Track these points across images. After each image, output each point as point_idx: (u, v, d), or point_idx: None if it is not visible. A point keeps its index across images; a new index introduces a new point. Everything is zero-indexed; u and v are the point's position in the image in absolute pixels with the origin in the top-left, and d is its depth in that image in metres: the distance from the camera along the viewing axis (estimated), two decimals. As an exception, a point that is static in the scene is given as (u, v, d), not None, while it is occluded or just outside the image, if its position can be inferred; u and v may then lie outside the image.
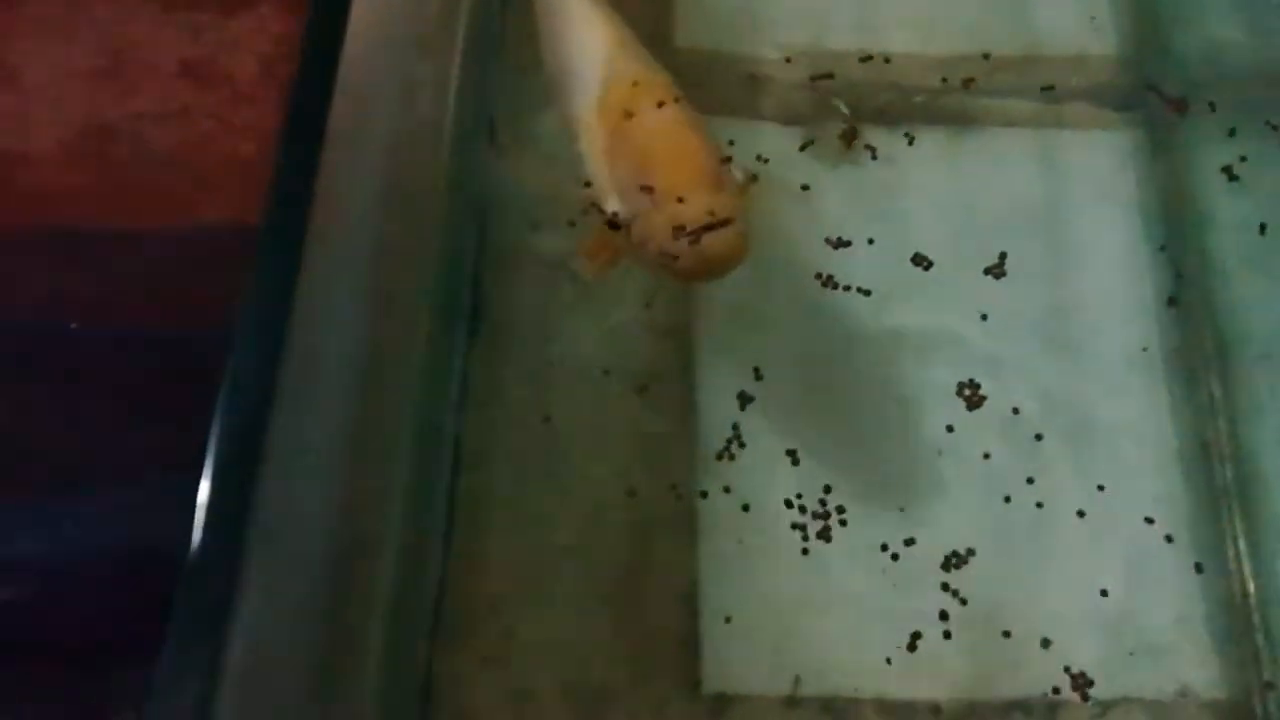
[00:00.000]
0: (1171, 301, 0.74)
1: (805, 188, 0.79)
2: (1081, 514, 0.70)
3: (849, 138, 0.81)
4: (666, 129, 0.59)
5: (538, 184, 0.79)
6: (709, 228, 0.55)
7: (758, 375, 0.74)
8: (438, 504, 0.67)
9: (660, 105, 0.60)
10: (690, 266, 0.57)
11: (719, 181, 0.57)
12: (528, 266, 0.76)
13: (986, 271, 0.77)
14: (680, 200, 0.56)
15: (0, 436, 0.64)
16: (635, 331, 0.75)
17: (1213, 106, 0.79)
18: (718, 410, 0.73)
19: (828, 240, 0.77)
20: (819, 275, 0.76)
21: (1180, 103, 0.79)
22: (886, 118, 0.82)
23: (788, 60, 0.84)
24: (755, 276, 0.76)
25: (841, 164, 0.81)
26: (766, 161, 0.79)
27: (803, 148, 0.81)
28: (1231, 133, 0.78)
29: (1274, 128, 0.79)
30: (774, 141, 0.81)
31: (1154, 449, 0.72)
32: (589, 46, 0.66)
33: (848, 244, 0.77)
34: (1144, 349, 0.74)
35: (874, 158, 0.80)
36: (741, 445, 0.72)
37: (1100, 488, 0.70)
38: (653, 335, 0.75)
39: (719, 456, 0.71)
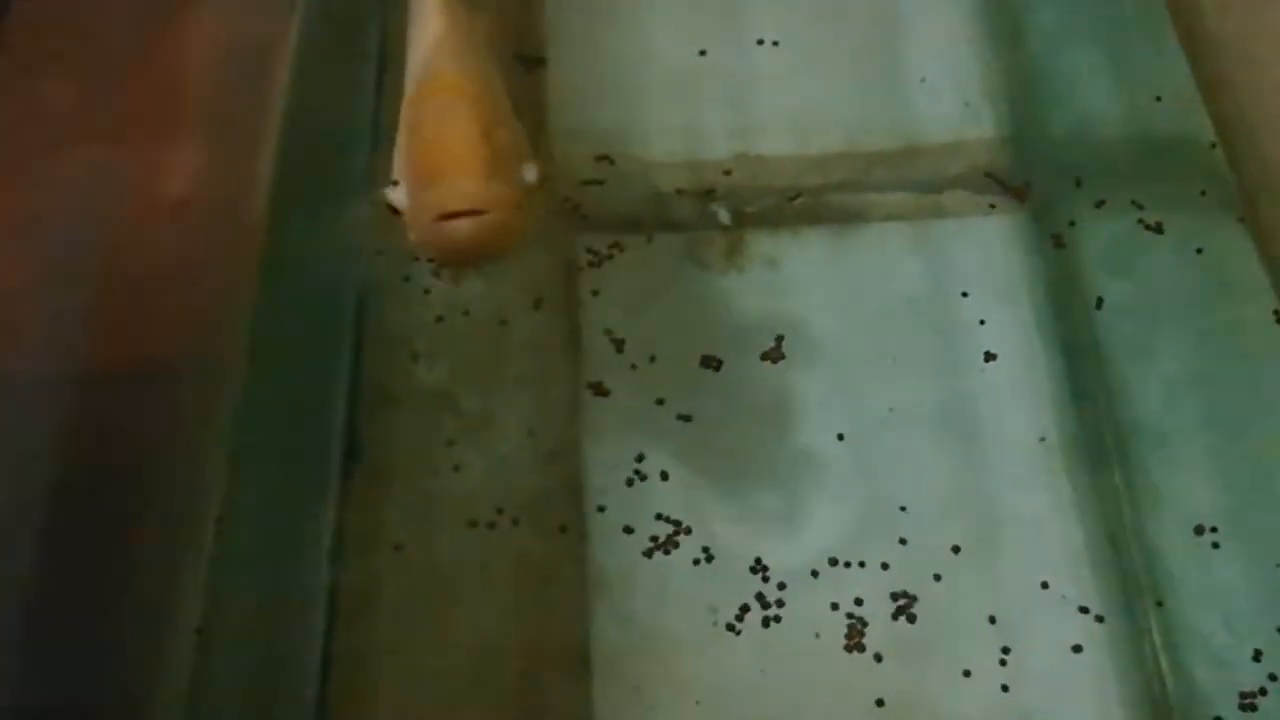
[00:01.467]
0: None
1: (691, 295, 0.78)
2: (992, 619, 0.67)
3: (733, 243, 0.80)
4: (440, 115, 0.58)
5: (417, 311, 0.77)
6: (461, 214, 0.54)
7: (648, 490, 0.71)
8: (306, 666, 0.63)
9: (446, 94, 0.60)
10: (438, 251, 0.57)
11: (485, 170, 0.56)
12: (407, 400, 0.74)
13: (879, 367, 0.75)
14: (436, 184, 0.55)
15: None
16: (520, 460, 0.73)
17: (1079, 183, 0.79)
18: (609, 534, 0.70)
19: (716, 341, 0.76)
20: (715, 382, 0.75)
21: (1020, 189, 0.79)
22: (768, 221, 0.81)
23: (666, 170, 0.83)
24: (643, 388, 0.75)
25: (728, 270, 0.80)
26: (646, 265, 0.78)
27: (686, 256, 0.80)
28: (1102, 208, 0.78)
29: (1139, 206, 0.79)
30: (660, 251, 0.80)
31: (1060, 543, 0.70)
32: (421, 46, 0.65)
33: (739, 346, 0.76)
34: (1042, 439, 0.73)
35: (759, 261, 0.79)
36: (634, 574, 0.69)
37: (1005, 587, 0.68)
38: (538, 462, 0.73)
39: (609, 586, 0.69)
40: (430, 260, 0.60)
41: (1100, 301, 0.76)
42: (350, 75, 0.82)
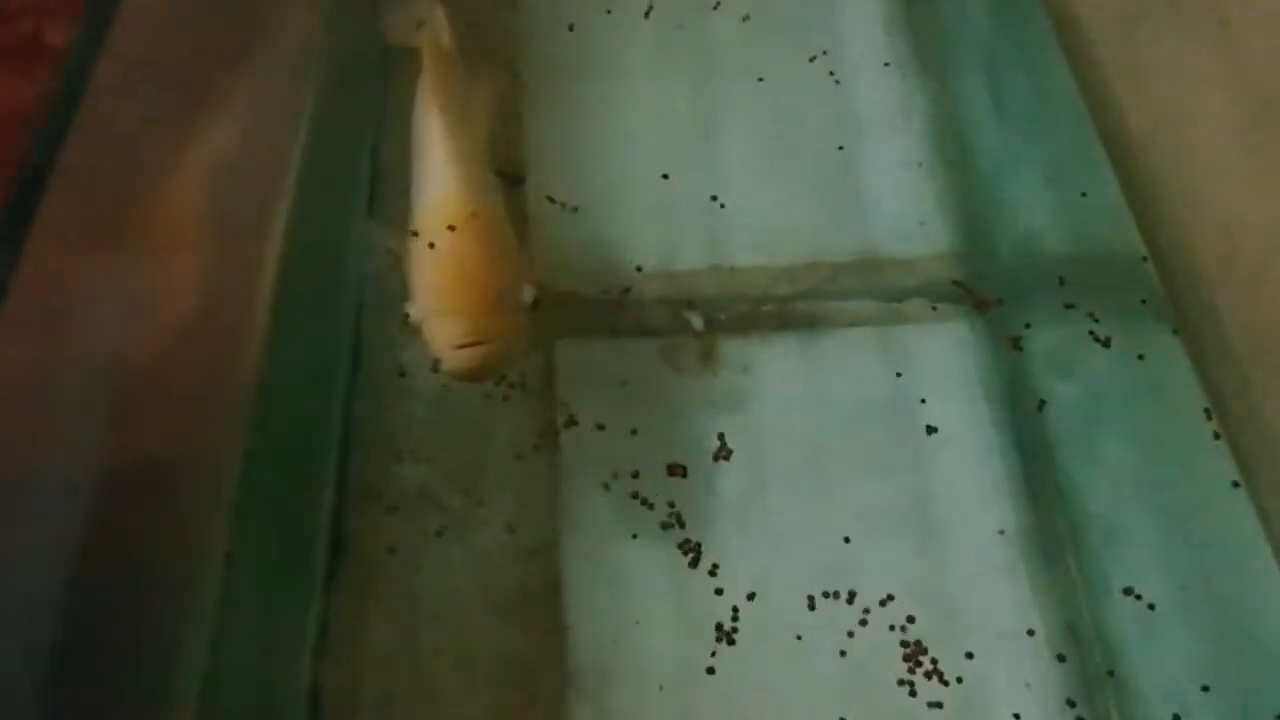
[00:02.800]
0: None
1: (666, 397, 0.82)
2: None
3: (706, 348, 0.85)
4: (455, 248, 0.70)
5: (401, 410, 0.80)
6: (467, 345, 0.66)
7: (626, 586, 0.74)
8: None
9: (456, 226, 0.70)
10: (449, 371, 0.68)
11: (490, 308, 0.67)
12: (390, 498, 0.77)
13: (845, 469, 0.79)
14: (450, 317, 0.67)
15: None
16: (501, 556, 0.75)
17: (1026, 294, 0.85)
18: (588, 630, 0.72)
19: (689, 442, 0.79)
20: (689, 481, 0.78)
21: (985, 301, 0.84)
22: (739, 327, 0.86)
23: (641, 280, 0.87)
24: (624, 487, 0.78)
25: (702, 374, 0.84)
26: (623, 372, 0.82)
27: (663, 359, 0.84)
28: (1048, 318, 0.84)
29: (1083, 315, 0.84)
30: (636, 355, 0.84)
31: (1019, 637, 0.72)
32: (430, 166, 0.75)
33: (711, 450, 0.79)
34: (1000, 531, 0.76)
35: (731, 365, 0.84)
36: (612, 668, 0.71)
37: (960, 680, 0.70)
38: (519, 558, 0.75)
39: (589, 680, 0.70)
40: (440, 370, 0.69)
41: (1043, 404, 0.80)
42: (345, 195, 0.87)
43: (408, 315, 0.68)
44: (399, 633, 0.72)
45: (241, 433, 0.69)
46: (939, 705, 0.69)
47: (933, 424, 0.81)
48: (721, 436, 0.80)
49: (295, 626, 0.68)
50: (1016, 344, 0.83)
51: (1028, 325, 0.84)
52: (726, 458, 0.79)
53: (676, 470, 0.79)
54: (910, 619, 0.72)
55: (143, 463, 0.63)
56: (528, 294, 0.69)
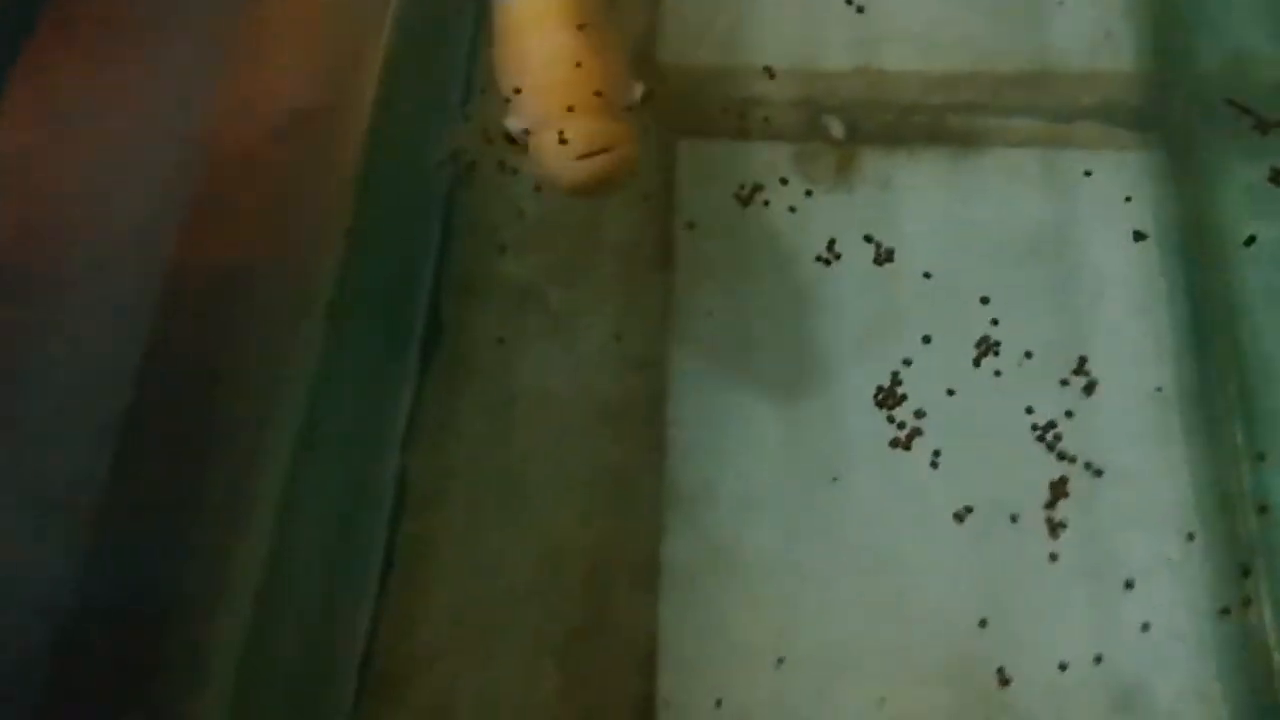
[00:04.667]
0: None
1: (794, 210, 0.74)
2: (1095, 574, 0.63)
3: (844, 159, 0.76)
4: (559, 53, 0.61)
5: (506, 202, 0.75)
6: (590, 153, 0.58)
7: (734, 412, 0.68)
8: (370, 549, 0.62)
9: (555, 20, 0.62)
10: (572, 187, 0.59)
11: (606, 107, 0.59)
12: (491, 292, 0.72)
13: (986, 302, 0.71)
14: (564, 124, 0.58)
15: None
16: (604, 364, 0.70)
17: (1225, 121, 0.73)
18: (690, 449, 0.68)
19: (819, 260, 0.72)
20: (806, 302, 0.71)
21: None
22: (884, 138, 0.77)
23: (778, 78, 0.78)
24: (736, 303, 0.71)
25: (836, 187, 0.76)
26: (747, 177, 0.74)
27: (795, 168, 0.76)
28: (1249, 149, 0.72)
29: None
30: (764, 162, 0.76)
31: (1171, 499, 0.65)
32: None
33: (840, 267, 0.72)
34: (1158, 389, 0.68)
35: (870, 180, 0.75)
36: (714, 489, 0.66)
37: (1112, 538, 0.64)
38: (623, 368, 0.70)
39: (687, 499, 0.66)
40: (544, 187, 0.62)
41: (1252, 239, 0.70)
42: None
43: (507, 131, 0.60)
44: (490, 434, 0.68)
45: (345, 214, 0.64)
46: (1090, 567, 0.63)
47: (1093, 262, 0.72)
48: (849, 258, 0.72)
49: (387, 413, 0.65)
50: (1205, 178, 0.73)
51: (1220, 159, 0.73)
52: (850, 283, 0.71)
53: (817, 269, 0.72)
54: (1046, 475, 0.66)
55: (244, 242, 0.60)
56: (636, 90, 0.61)
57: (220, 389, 0.54)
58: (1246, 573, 0.63)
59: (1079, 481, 0.66)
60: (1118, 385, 0.68)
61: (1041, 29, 0.80)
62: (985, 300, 0.70)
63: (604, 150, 0.58)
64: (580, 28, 0.61)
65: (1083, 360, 0.69)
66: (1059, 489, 0.65)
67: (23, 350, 0.47)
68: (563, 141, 0.57)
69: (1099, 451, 0.67)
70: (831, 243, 0.73)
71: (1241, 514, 0.64)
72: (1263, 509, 0.64)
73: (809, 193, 0.74)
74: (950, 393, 0.68)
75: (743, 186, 0.75)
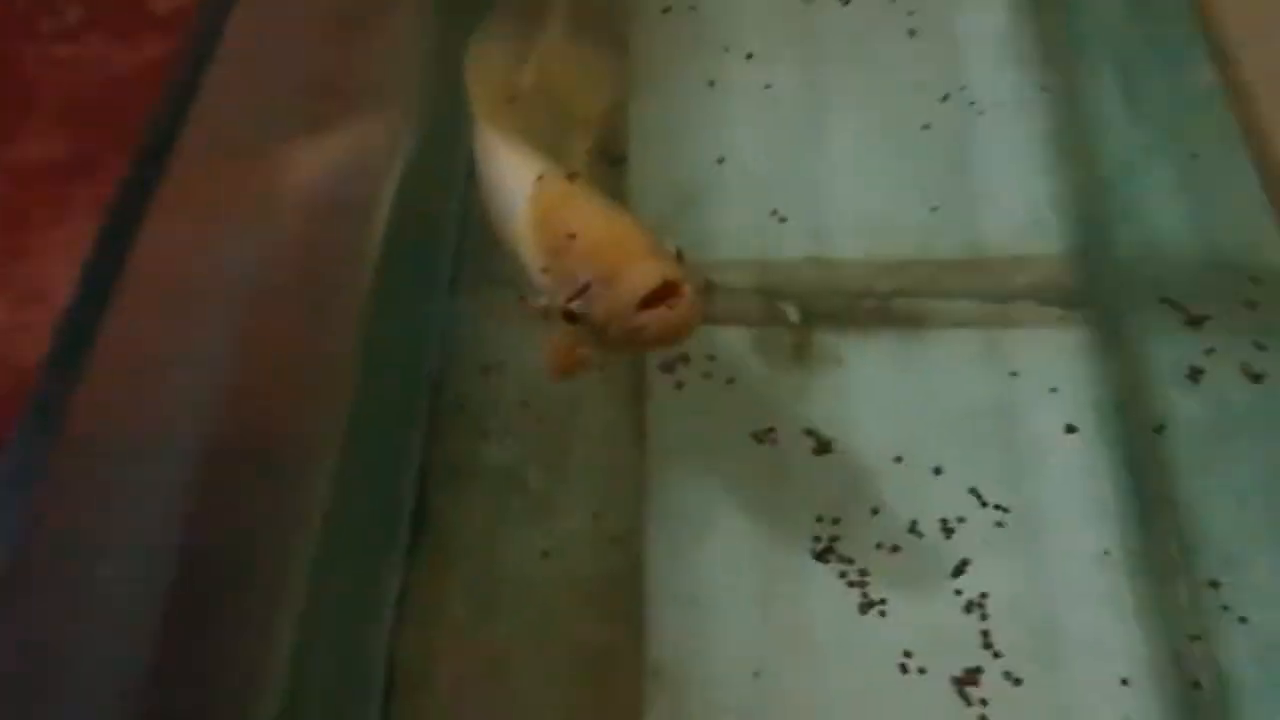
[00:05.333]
0: None
1: (754, 389, 0.79)
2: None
3: (801, 341, 0.82)
4: (595, 216, 0.62)
5: (488, 389, 0.80)
6: (666, 294, 0.57)
7: (709, 586, 0.72)
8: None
9: (579, 199, 0.64)
10: (658, 334, 0.58)
11: (660, 251, 0.59)
12: (476, 478, 0.76)
13: (938, 473, 0.76)
14: (630, 270, 0.58)
15: None
16: (584, 544, 0.74)
17: (1152, 301, 0.80)
18: (668, 624, 0.71)
19: (778, 436, 0.77)
20: (771, 476, 0.76)
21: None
22: (837, 321, 0.83)
23: (737, 268, 0.85)
24: (708, 479, 0.76)
25: (793, 368, 0.81)
26: (713, 359, 0.80)
27: (756, 350, 0.82)
28: (1169, 326, 0.79)
29: (1208, 324, 0.79)
30: (726, 345, 0.82)
31: (1123, 659, 0.69)
32: (513, 173, 0.69)
33: (800, 443, 0.77)
34: (1106, 552, 0.72)
35: (826, 359, 0.81)
36: (692, 664, 0.69)
37: (1067, 699, 0.67)
38: (602, 546, 0.74)
39: (667, 671, 0.69)
40: (633, 348, 0.63)
41: (1164, 422, 0.76)
42: (441, 187, 0.87)
43: (561, 309, 0.59)
44: (476, 616, 0.71)
45: (344, 406, 0.69)
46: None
47: (1036, 433, 0.77)
48: (812, 432, 0.77)
49: (376, 599, 0.69)
50: (1133, 354, 0.79)
51: (1145, 336, 0.80)
52: (819, 453, 0.76)
53: (763, 449, 0.76)
54: (1003, 637, 0.69)
55: (259, 431, 0.64)
56: (670, 244, 0.60)
57: (237, 577, 0.57)
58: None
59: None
60: (1069, 549, 0.73)
61: (976, 218, 0.88)
62: (938, 471, 0.75)
63: (677, 287, 0.57)
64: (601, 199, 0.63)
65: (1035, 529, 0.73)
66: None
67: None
68: (637, 298, 0.56)
69: (1054, 616, 0.70)
70: (791, 419, 0.78)
71: (1193, 674, 0.68)
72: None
73: (767, 373, 0.80)
74: (900, 555, 0.72)
75: (710, 368, 0.81)
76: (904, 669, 0.68)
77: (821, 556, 0.72)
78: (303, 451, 0.68)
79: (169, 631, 0.52)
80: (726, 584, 0.72)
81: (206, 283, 0.63)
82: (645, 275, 0.57)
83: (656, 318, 0.57)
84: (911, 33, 0.97)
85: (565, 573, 0.73)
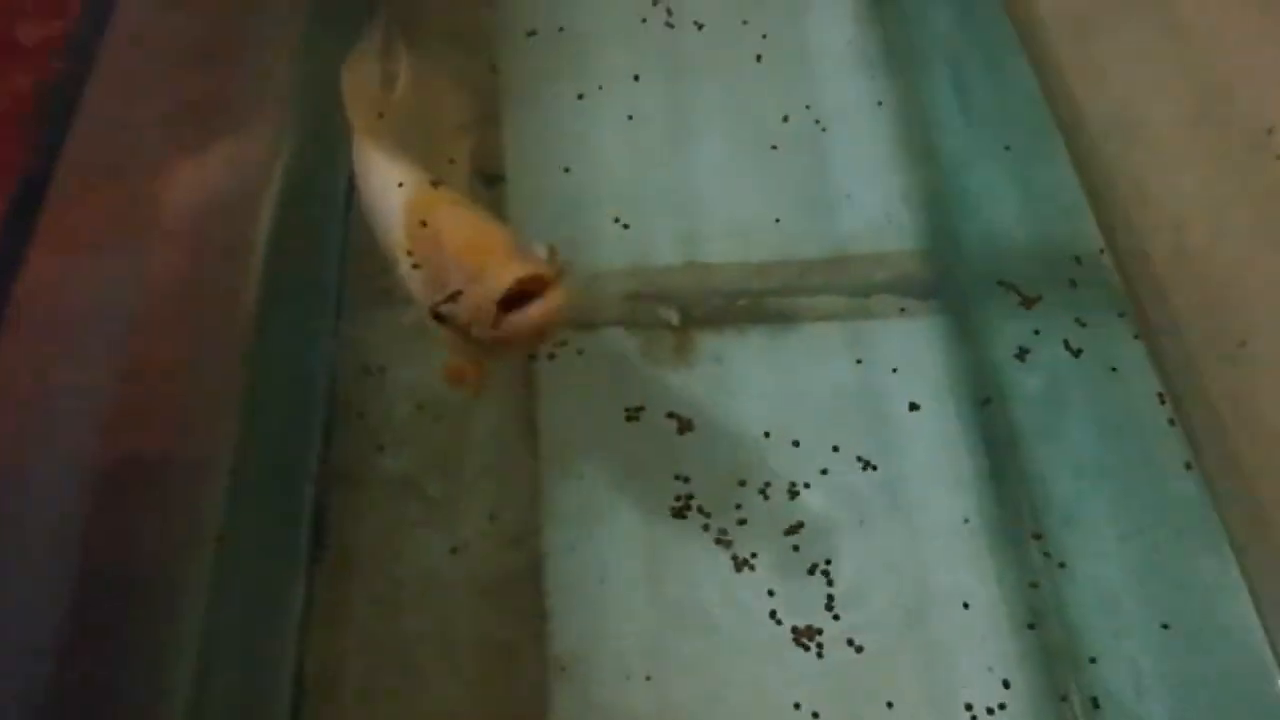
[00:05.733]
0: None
1: (641, 387, 0.84)
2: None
3: (681, 341, 0.87)
4: (460, 220, 0.65)
5: (380, 402, 0.82)
6: (530, 293, 0.59)
7: (603, 575, 0.75)
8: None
9: (446, 205, 0.66)
10: (519, 333, 0.61)
11: (523, 251, 0.61)
12: (373, 487, 0.78)
13: (818, 456, 0.81)
14: (494, 269, 0.60)
15: None
16: (482, 544, 0.77)
17: (990, 286, 0.88)
18: (567, 615, 0.74)
19: (663, 425, 0.81)
20: (658, 466, 0.80)
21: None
22: (714, 321, 0.88)
23: (620, 276, 0.90)
24: (591, 474, 0.80)
25: (677, 365, 0.86)
26: (599, 360, 0.84)
27: (641, 351, 0.86)
28: (1008, 309, 0.86)
29: (1042, 305, 0.86)
30: (613, 347, 0.86)
31: (986, 616, 0.75)
32: (389, 184, 0.70)
33: (684, 432, 0.81)
34: (966, 520, 0.79)
35: (705, 357, 0.86)
36: (591, 651, 0.73)
37: (933, 657, 0.73)
38: (500, 546, 0.77)
39: (570, 662, 0.72)
40: (485, 356, 0.65)
41: (1004, 396, 0.83)
42: (322, 205, 0.89)
43: (435, 315, 0.61)
44: (381, 618, 0.73)
45: (233, 421, 0.70)
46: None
47: (899, 414, 0.83)
48: (693, 427, 0.82)
49: (281, 610, 0.70)
50: (979, 337, 0.86)
51: (989, 320, 0.87)
52: (689, 433, 0.81)
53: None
54: (873, 602, 0.75)
55: (143, 450, 0.65)
56: (542, 249, 0.62)
57: (133, 599, 0.58)
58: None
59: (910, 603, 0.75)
60: (934, 517, 0.79)
61: (835, 217, 0.94)
62: (796, 444, 0.81)
63: (541, 288, 0.59)
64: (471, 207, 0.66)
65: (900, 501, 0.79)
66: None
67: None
68: (499, 299, 0.58)
69: (924, 579, 0.76)
70: (672, 412, 0.82)
71: (1048, 627, 0.74)
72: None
73: (645, 369, 0.84)
74: (788, 533, 0.77)
75: (597, 369, 0.85)
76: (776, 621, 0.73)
77: (693, 523, 0.77)
78: (192, 472, 0.69)
79: (67, 656, 0.53)
80: (618, 571, 0.76)
81: (88, 310, 0.63)
82: (502, 275, 0.59)
83: (517, 317, 0.60)
84: (763, 51, 1.03)
85: (466, 574, 0.75)
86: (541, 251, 0.63)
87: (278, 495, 0.74)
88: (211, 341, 0.75)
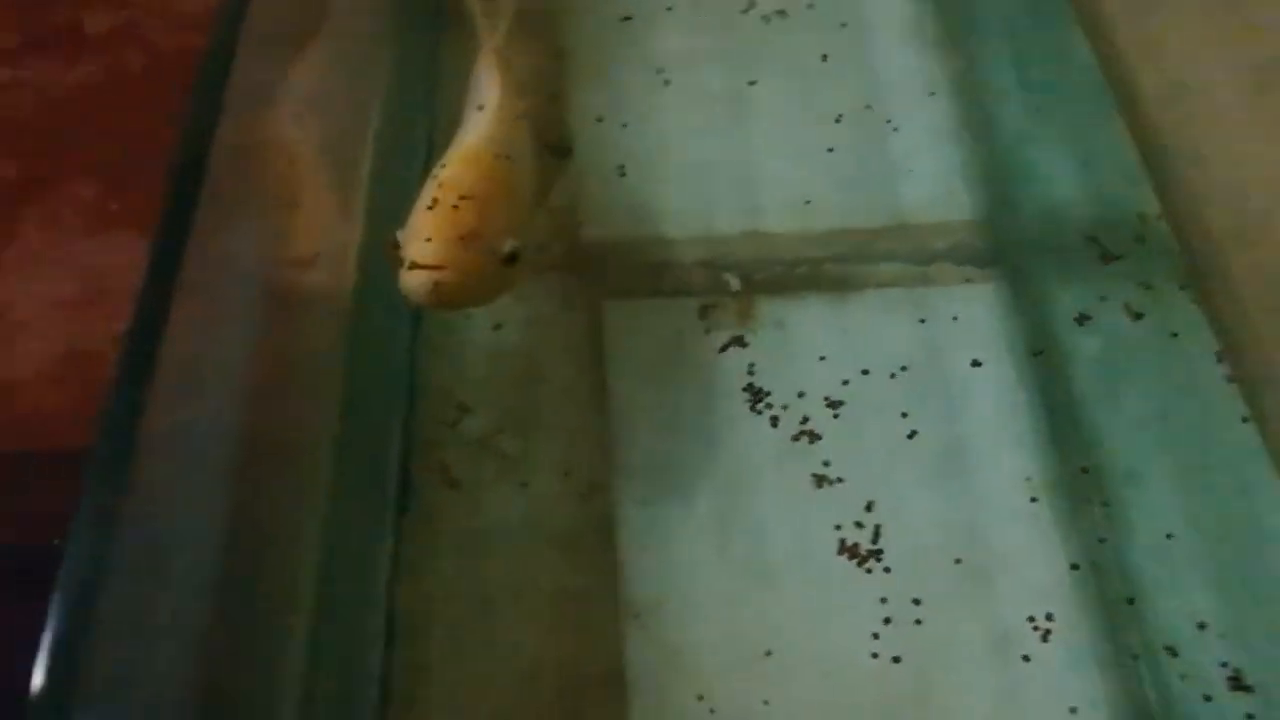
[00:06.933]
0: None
1: (703, 352, 0.87)
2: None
3: (743, 307, 0.90)
4: (446, 180, 0.71)
5: (460, 366, 0.86)
6: (421, 266, 0.66)
7: (674, 529, 0.79)
8: (367, 678, 0.69)
9: (460, 164, 0.73)
10: (404, 291, 0.68)
11: (452, 235, 0.68)
12: (453, 444, 0.82)
13: (876, 417, 0.83)
14: (413, 239, 0.68)
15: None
16: (557, 499, 0.80)
17: (1048, 254, 0.90)
18: (639, 566, 0.77)
19: (731, 391, 0.84)
20: (724, 427, 0.83)
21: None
22: (775, 288, 0.91)
23: (682, 243, 0.93)
24: (666, 434, 0.83)
25: (739, 329, 0.89)
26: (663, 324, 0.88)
27: (701, 318, 0.89)
28: (1068, 276, 0.88)
29: (1101, 273, 0.88)
30: (676, 314, 0.90)
31: (1048, 570, 0.77)
32: (465, 120, 0.78)
33: (749, 396, 0.84)
34: (1027, 479, 0.81)
35: (767, 323, 0.89)
36: (663, 600, 0.76)
37: (997, 608, 0.75)
38: (573, 501, 0.80)
39: (642, 611, 0.75)
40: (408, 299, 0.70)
41: (1064, 358, 0.85)
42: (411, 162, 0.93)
43: (392, 242, 0.69)
44: (464, 568, 0.77)
45: (337, 383, 0.74)
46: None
47: (963, 377, 0.85)
48: (757, 388, 0.85)
49: (375, 557, 0.74)
50: (1041, 306, 0.88)
51: (1049, 287, 0.89)
52: (761, 409, 0.84)
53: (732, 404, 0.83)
54: (939, 557, 0.77)
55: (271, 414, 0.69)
56: (508, 245, 0.69)
57: (265, 556, 0.63)
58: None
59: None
60: (996, 477, 0.81)
61: (896, 190, 0.97)
62: (875, 411, 0.83)
63: (434, 268, 0.66)
64: (477, 175, 0.71)
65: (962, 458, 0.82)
66: None
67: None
68: (405, 256, 0.67)
69: (985, 535, 0.79)
70: (735, 375, 0.85)
71: (1108, 581, 0.76)
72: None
73: (709, 333, 0.87)
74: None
75: (662, 333, 0.88)
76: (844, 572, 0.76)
77: (757, 479, 0.80)
78: (309, 436, 0.73)
79: (219, 594, 0.57)
80: (686, 523, 0.79)
81: (228, 287, 0.67)
82: (411, 249, 0.67)
83: (402, 279, 0.67)
84: (825, 29, 1.05)
85: (542, 526, 0.79)
86: (506, 246, 0.69)
87: (370, 456, 0.78)
88: (320, 312, 0.79)
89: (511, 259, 0.69)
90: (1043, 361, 0.86)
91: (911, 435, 0.82)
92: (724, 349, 0.87)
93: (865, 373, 0.86)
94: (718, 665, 0.73)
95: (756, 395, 0.85)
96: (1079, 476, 0.80)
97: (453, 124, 0.81)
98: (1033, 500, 0.80)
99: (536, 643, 0.74)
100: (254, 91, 0.71)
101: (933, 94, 1.01)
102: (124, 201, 0.95)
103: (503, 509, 0.79)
